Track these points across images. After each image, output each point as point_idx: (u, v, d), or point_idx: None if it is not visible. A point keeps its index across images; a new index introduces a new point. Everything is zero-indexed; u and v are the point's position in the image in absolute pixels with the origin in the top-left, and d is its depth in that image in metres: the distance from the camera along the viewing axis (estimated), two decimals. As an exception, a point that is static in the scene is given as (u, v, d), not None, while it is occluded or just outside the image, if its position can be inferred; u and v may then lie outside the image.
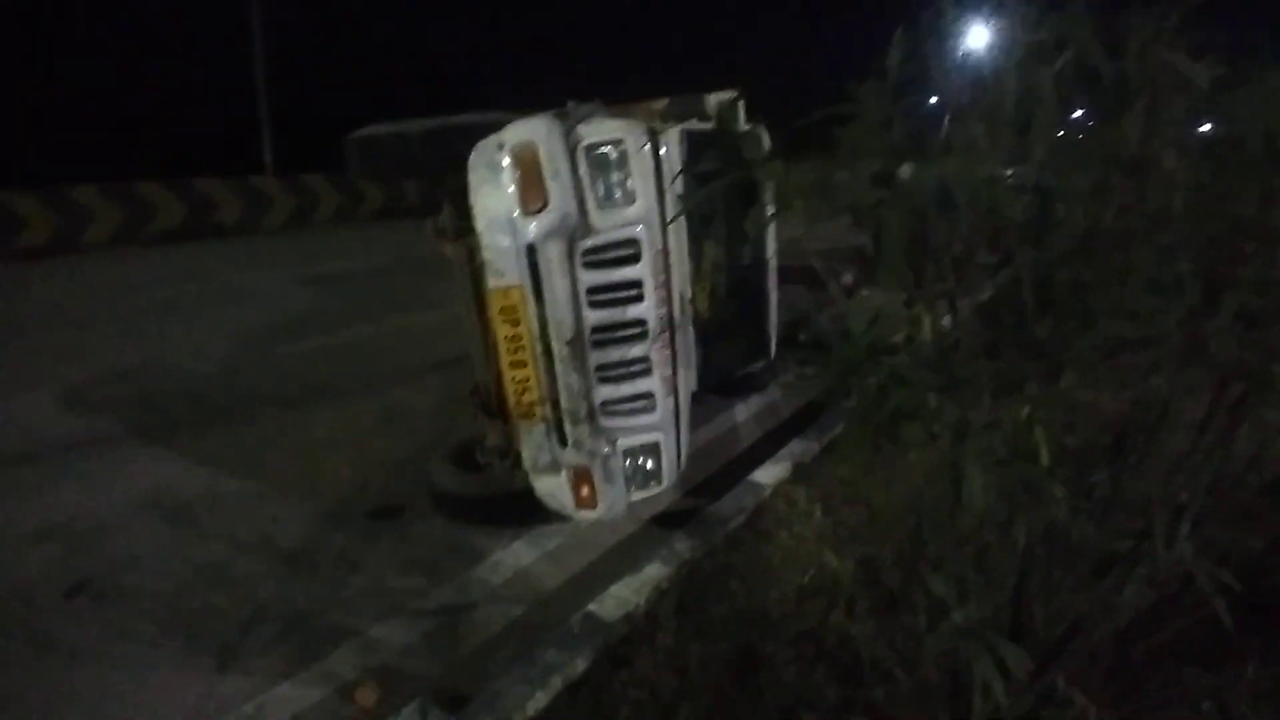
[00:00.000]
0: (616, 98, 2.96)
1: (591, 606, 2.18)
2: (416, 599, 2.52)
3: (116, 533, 2.94)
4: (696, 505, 3.09)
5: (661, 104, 3.48)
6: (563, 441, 2.53)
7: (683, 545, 2.51)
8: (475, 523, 2.94)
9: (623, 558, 2.77)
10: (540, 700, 1.88)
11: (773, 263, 4.06)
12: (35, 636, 2.34)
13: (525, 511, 2.90)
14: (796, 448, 3.29)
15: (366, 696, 2.07)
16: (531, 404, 2.48)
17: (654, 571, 2.35)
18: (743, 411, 4.12)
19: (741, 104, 3.67)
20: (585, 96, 2.69)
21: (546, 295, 2.38)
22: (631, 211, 2.44)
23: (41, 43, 12.57)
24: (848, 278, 7.92)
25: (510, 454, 3.09)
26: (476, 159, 2.34)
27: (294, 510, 3.11)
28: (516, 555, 2.78)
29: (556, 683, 1.89)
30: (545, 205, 2.31)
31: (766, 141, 3.33)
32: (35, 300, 6.88)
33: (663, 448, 2.73)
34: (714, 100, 3.50)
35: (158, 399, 4.43)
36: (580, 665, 1.96)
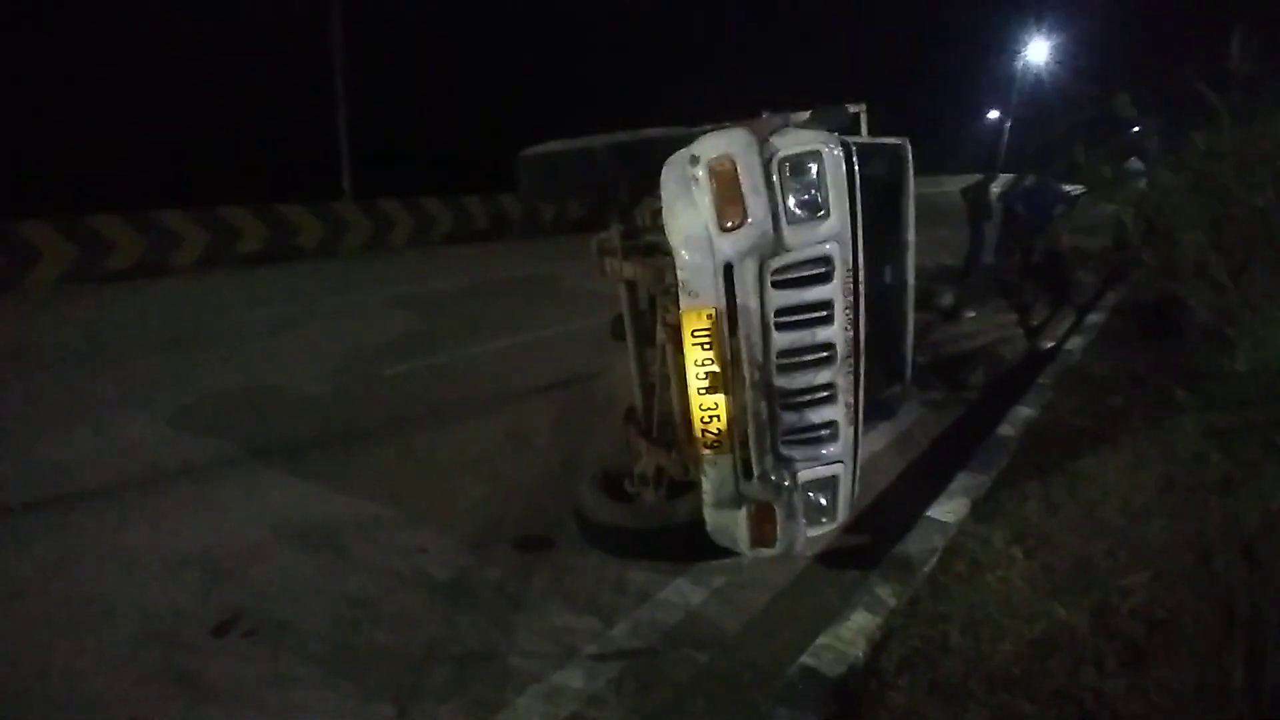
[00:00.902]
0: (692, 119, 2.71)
1: (807, 659, 1.98)
2: (590, 641, 2.37)
3: (258, 561, 2.86)
4: (865, 543, 2.88)
5: (803, 116, 3.33)
6: (748, 474, 2.36)
7: (884, 590, 2.29)
8: (630, 557, 2.79)
9: (804, 601, 2.58)
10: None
11: (912, 282, 3.84)
12: (186, 679, 2.21)
13: (686, 546, 2.75)
14: (968, 481, 3.05)
15: (567, 752, 1.91)
16: (720, 434, 2.31)
17: (861, 620, 2.14)
18: (877, 439, 3.90)
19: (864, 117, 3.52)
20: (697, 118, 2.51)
21: (741, 317, 2.22)
22: (825, 228, 2.27)
23: (135, 71, 13.13)
24: (947, 299, 7.62)
25: (662, 483, 2.95)
26: (669, 174, 2.22)
27: (438, 538, 3.00)
28: (683, 594, 2.62)
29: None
30: (744, 221, 2.16)
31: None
32: (131, 322, 7.04)
33: (841, 481, 2.53)
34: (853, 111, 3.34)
35: (273, 420, 4.42)
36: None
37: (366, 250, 11.82)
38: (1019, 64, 25.57)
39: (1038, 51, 25.72)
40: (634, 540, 2.74)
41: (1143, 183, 7.29)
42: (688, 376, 2.29)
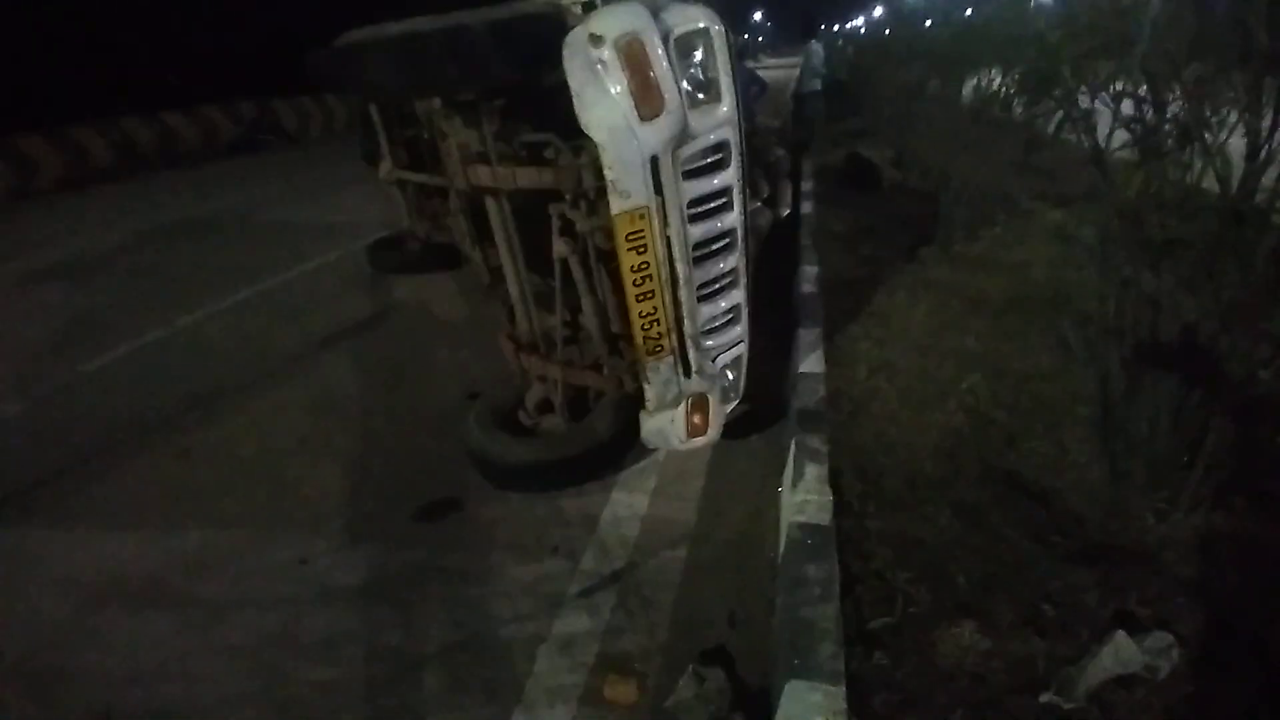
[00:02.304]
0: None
1: (797, 517, 2.14)
2: (568, 580, 2.23)
3: (87, 645, 2.09)
4: (749, 409, 3.11)
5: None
6: (687, 371, 2.35)
7: (813, 441, 2.53)
8: (558, 488, 2.64)
9: (732, 473, 2.73)
10: (828, 613, 1.85)
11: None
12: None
13: (611, 461, 2.69)
14: (807, 335, 3.43)
15: (623, 692, 1.83)
16: (660, 337, 2.24)
17: (813, 470, 2.36)
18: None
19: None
20: None
21: (670, 213, 2.12)
22: (721, 111, 2.22)
23: None
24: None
25: (559, 407, 2.79)
26: (572, 58, 1.93)
27: (313, 541, 2.47)
28: (628, 505, 2.59)
29: (836, 591, 1.86)
30: (662, 109, 2.01)
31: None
32: None
33: (743, 360, 2.68)
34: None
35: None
36: (835, 569, 1.94)
37: None
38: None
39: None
40: (561, 469, 2.59)
41: (819, 61, 8.45)
42: (625, 284, 2.14)
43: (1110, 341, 2.00)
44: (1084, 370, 2.29)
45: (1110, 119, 2.01)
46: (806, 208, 6.08)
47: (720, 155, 2.28)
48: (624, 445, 2.67)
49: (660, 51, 2.00)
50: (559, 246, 2.36)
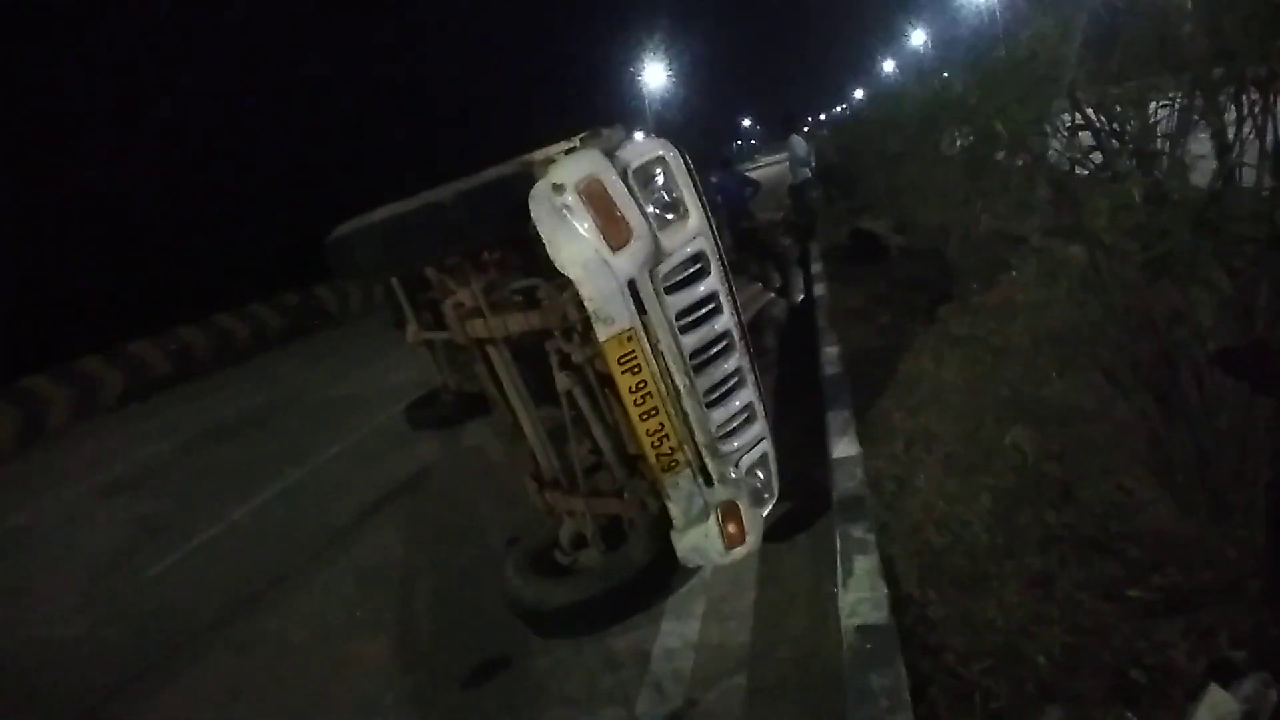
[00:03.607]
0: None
1: (852, 620, 1.99)
2: (628, 728, 2.09)
3: None
4: (788, 508, 2.99)
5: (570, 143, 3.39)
6: (709, 481, 2.30)
7: (857, 530, 2.41)
8: (604, 627, 2.53)
9: (782, 582, 2.59)
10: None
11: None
12: None
13: (653, 587, 2.59)
14: (837, 418, 3.34)
15: None
16: (672, 452, 2.21)
17: (863, 564, 2.22)
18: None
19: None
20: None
21: (656, 330, 2.16)
22: (690, 225, 2.32)
23: None
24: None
25: (592, 540, 2.73)
26: (539, 208, 2.06)
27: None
28: (679, 635, 2.45)
29: (907, 699, 1.69)
30: (630, 237, 2.10)
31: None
32: None
33: (770, 457, 2.61)
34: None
35: (49, 685, 3.16)
36: (903, 673, 1.77)
37: (23, 445, 9.06)
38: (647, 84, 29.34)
39: (656, 76, 29.73)
40: (601, 607, 2.49)
41: (803, 152, 8.69)
42: (626, 405, 2.15)
43: (1141, 371, 1.89)
44: (1127, 403, 2.15)
45: (1069, 155, 2.01)
46: (819, 289, 6.13)
47: (699, 265, 2.34)
48: (664, 570, 2.57)
49: (620, 186, 2.13)
50: (561, 380, 2.40)
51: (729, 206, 8.24)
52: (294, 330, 13.69)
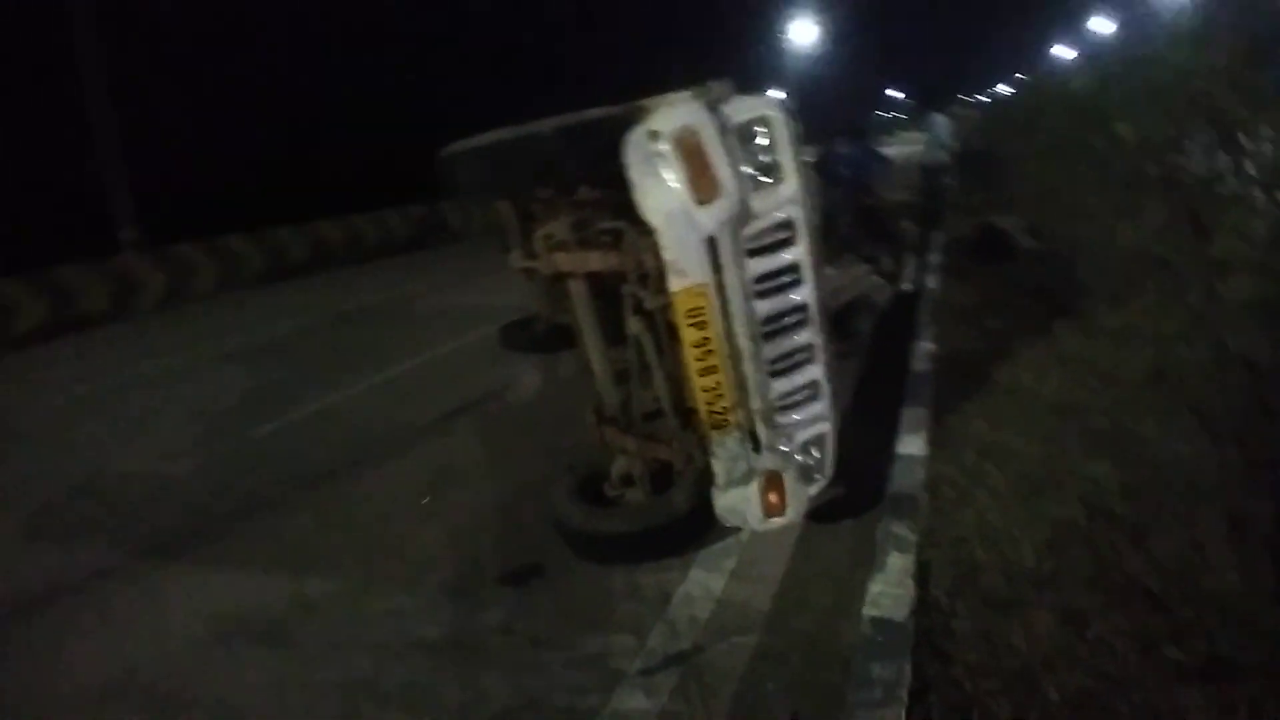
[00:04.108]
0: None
1: (871, 610, 1.99)
2: (631, 657, 2.21)
3: (204, 673, 2.36)
4: (842, 493, 2.96)
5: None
6: (756, 447, 2.32)
7: (900, 528, 2.37)
8: (634, 561, 2.65)
9: (814, 560, 2.60)
10: (887, 718, 1.68)
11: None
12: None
13: (690, 537, 2.67)
14: (912, 415, 3.25)
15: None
16: (724, 411, 2.25)
17: (897, 561, 2.20)
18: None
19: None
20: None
21: (729, 290, 2.17)
22: (784, 191, 2.28)
23: None
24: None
25: (639, 480, 2.83)
26: (632, 153, 2.10)
27: (410, 596, 2.65)
28: (703, 585, 2.53)
29: (903, 696, 1.70)
30: (718, 193, 2.11)
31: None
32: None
33: (828, 437, 2.59)
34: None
35: (143, 510, 3.67)
36: (907, 671, 1.77)
37: (167, 305, 10.24)
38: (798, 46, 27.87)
39: (805, 33, 28.17)
40: (638, 543, 2.60)
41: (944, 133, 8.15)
42: (686, 359, 2.20)
43: (1236, 422, 1.72)
44: (1218, 455, 1.97)
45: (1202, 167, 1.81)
46: (930, 281, 5.82)
47: (787, 233, 2.31)
48: (703, 521, 2.63)
49: (716, 141, 2.12)
50: (632, 324, 2.47)
51: (853, 180, 7.87)
52: (418, 241, 14.50)
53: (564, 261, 2.51)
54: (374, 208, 14.17)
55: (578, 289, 2.62)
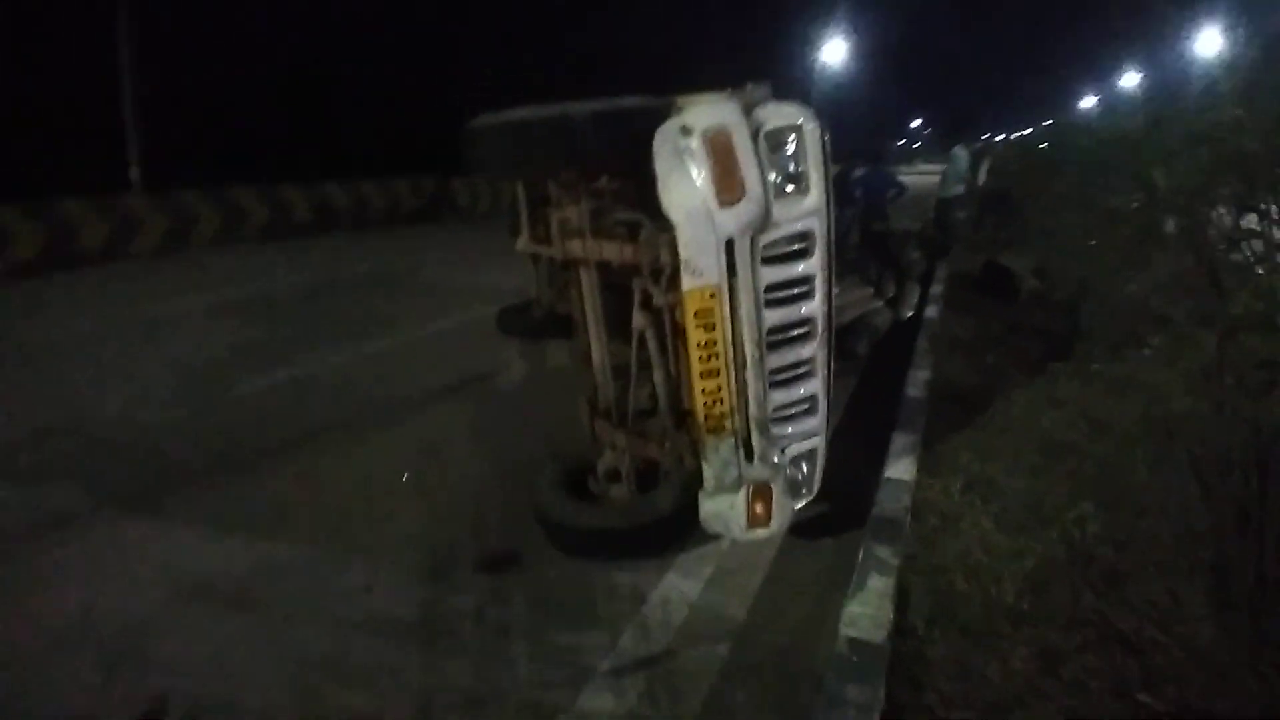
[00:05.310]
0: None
1: (848, 630, 1.97)
2: (601, 655, 2.18)
3: (164, 630, 2.30)
4: (827, 511, 2.95)
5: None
6: (749, 456, 2.31)
7: (883, 551, 2.36)
8: (614, 559, 2.63)
9: (793, 575, 2.59)
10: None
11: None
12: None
13: (671, 539, 2.65)
14: (904, 441, 3.23)
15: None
16: (722, 416, 2.23)
17: (876, 583, 2.18)
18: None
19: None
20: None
21: (741, 295, 2.15)
22: (808, 202, 2.26)
23: None
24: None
25: (626, 477, 2.81)
26: (661, 145, 2.08)
27: (383, 573, 2.61)
28: (679, 589, 2.51)
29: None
30: (742, 195, 2.09)
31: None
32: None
33: (818, 453, 2.58)
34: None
35: (123, 457, 3.61)
36: (881, 694, 1.76)
37: (164, 251, 10.12)
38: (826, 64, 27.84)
39: (835, 52, 28.15)
40: (618, 540, 2.58)
41: (963, 166, 8.20)
42: (691, 359, 2.18)
43: (1220, 478, 1.73)
44: (1206, 509, 1.98)
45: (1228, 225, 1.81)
46: (931, 311, 5.84)
47: (804, 244, 2.30)
48: (685, 524, 2.61)
49: (747, 144, 2.10)
50: (638, 318, 2.45)
51: (867, 204, 7.89)
52: (424, 214, 14.43)
53: (577, 249, 2.48)
54: (384, 176, 14.08)
55: (588, 278, 2.60)
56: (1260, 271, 1.60)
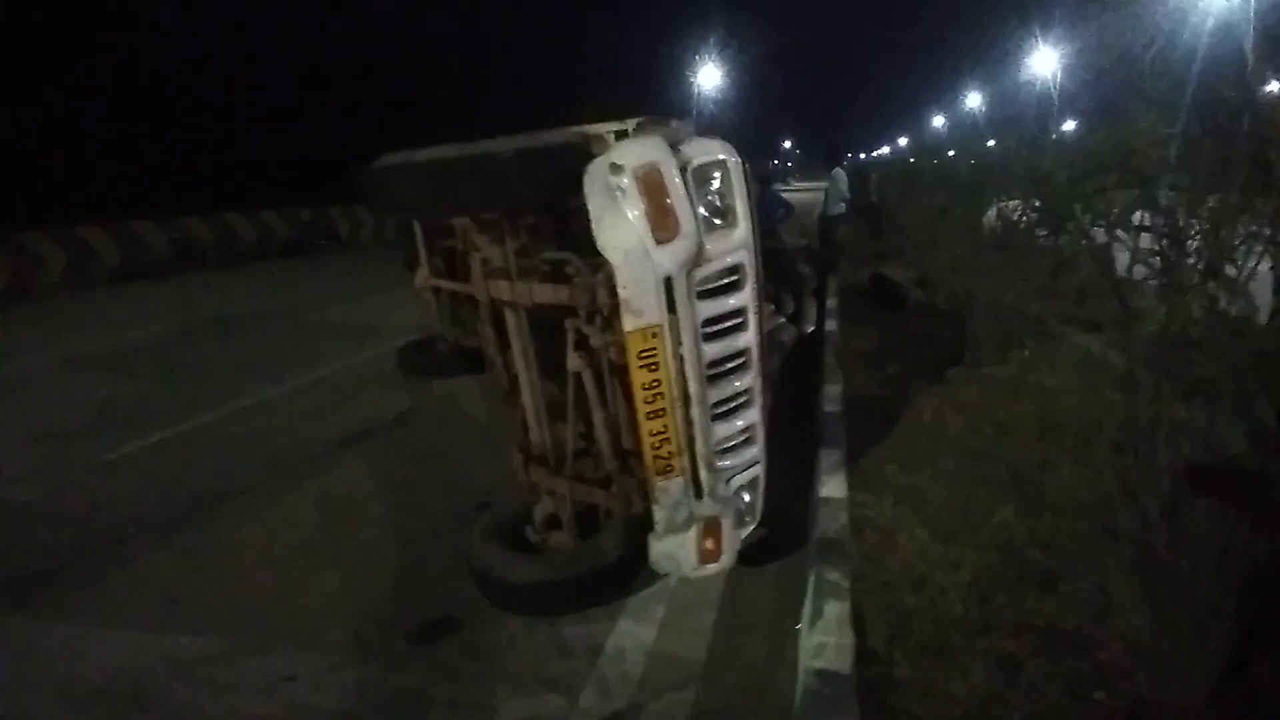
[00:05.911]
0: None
1: (814, 662, 1.96)
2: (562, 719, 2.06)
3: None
4: (765, 534, 2.96)
5: (621, 125, 3.32)
6: (699, 493, 2.27)
7: (833, 575, 2.38)
8: (562, 612, 2.50)
9: (746, 607, 2.57)
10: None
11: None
12: None
13: (619, 584, 2.56)
14: (830, 458, 3.31)
15: None
16: (670, 456, 2.17)
17: (833, 609, 2.20)
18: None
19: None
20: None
21: (682, 333, 2.12)
22: (736, 236, 2.27)
23: None
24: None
25: (566, 524, 2.70)
26: (592, 184, 2.01)
27: (305, 656, 2.35)
28: (634, 636, 2.43)
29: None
30: (677, 233, 2.06)
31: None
32: None
33: (760, 481, 2.59)
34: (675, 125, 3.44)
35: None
36: (857, 728, 1.75)
37: (8, 299, 8.87)
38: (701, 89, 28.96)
39: (710, 77, 29.36)
40: (565, 592, 2.46)
41: (844, 186, 8.69)
42: (636, 400, 2.11)
43: (1148, 477, 1.88)
44: (1124, 506, 2.14)
45: (1130, 251, 1.99)
46: (830, 325, 6.10)
47: (735, 277, 2.30)
48: (632, 568, 2.54)
49: (677, 180, 2.08)
50: (573, 360, 2.36)
51: (760, 224, 8.17)
52: (300, 246, 13.53)
53: (504, 290, 2.36)
54: (251, 207, 13.10)
55: (515, 319, 2.48)
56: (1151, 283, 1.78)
